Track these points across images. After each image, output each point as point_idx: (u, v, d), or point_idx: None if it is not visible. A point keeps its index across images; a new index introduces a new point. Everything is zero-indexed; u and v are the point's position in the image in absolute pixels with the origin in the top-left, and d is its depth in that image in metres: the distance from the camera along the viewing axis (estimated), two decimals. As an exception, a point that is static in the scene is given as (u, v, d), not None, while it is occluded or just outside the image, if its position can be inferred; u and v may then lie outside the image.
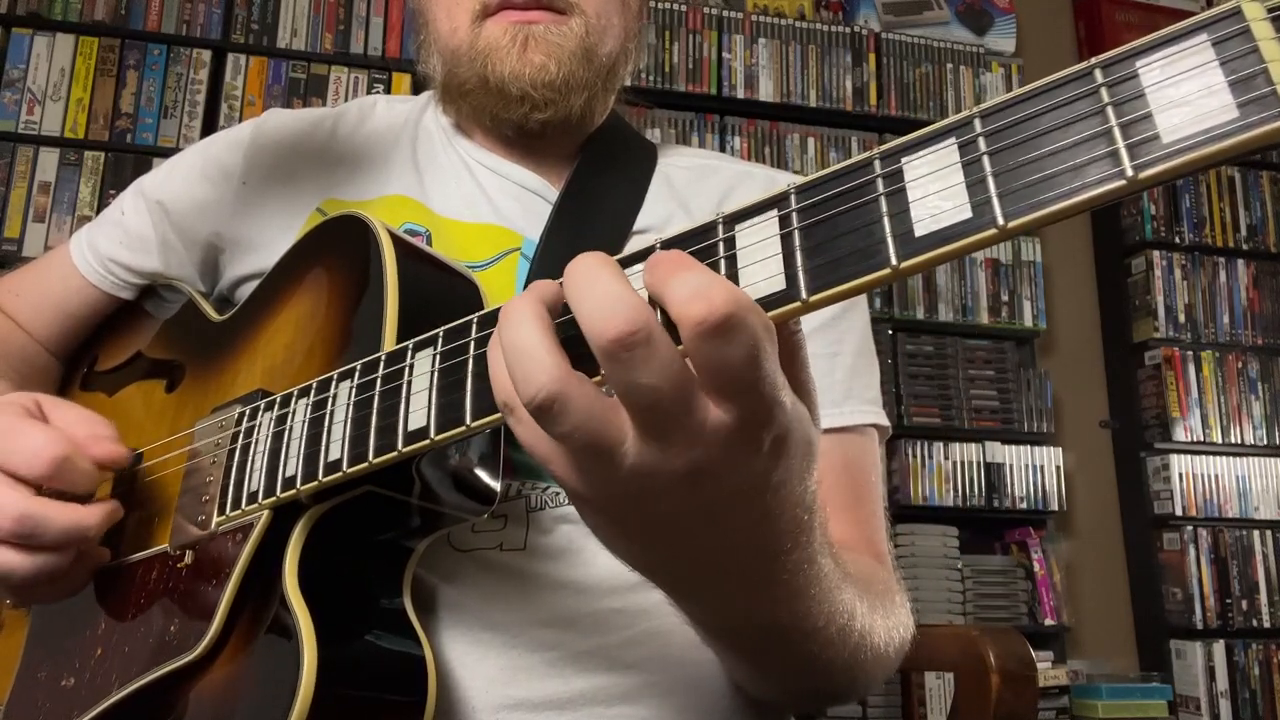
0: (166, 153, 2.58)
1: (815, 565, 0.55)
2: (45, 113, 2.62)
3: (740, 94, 3.02)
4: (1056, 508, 2.95)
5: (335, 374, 0.62)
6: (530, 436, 0.46)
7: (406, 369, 0.57)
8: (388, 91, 2.79)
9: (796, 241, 0.42)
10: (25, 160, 2.60)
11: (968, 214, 0.38)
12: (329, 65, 2.80)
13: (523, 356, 0.43)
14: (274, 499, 0.63)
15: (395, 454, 0.55)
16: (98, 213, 2.54)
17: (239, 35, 2.76)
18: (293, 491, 0.62)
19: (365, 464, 0.57)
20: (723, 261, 0.45)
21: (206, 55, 2.73)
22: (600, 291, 0.42)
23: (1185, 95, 0.34)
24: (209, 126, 2.68)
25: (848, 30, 3.14)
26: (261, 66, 2.76)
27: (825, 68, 3.09)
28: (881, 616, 0.69)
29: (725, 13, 3.08)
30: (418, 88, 2.68)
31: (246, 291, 0.91)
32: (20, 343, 0.99)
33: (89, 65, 2.67)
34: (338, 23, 2.82)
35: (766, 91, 3.03)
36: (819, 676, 0.67)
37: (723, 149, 2.96)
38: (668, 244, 0.47)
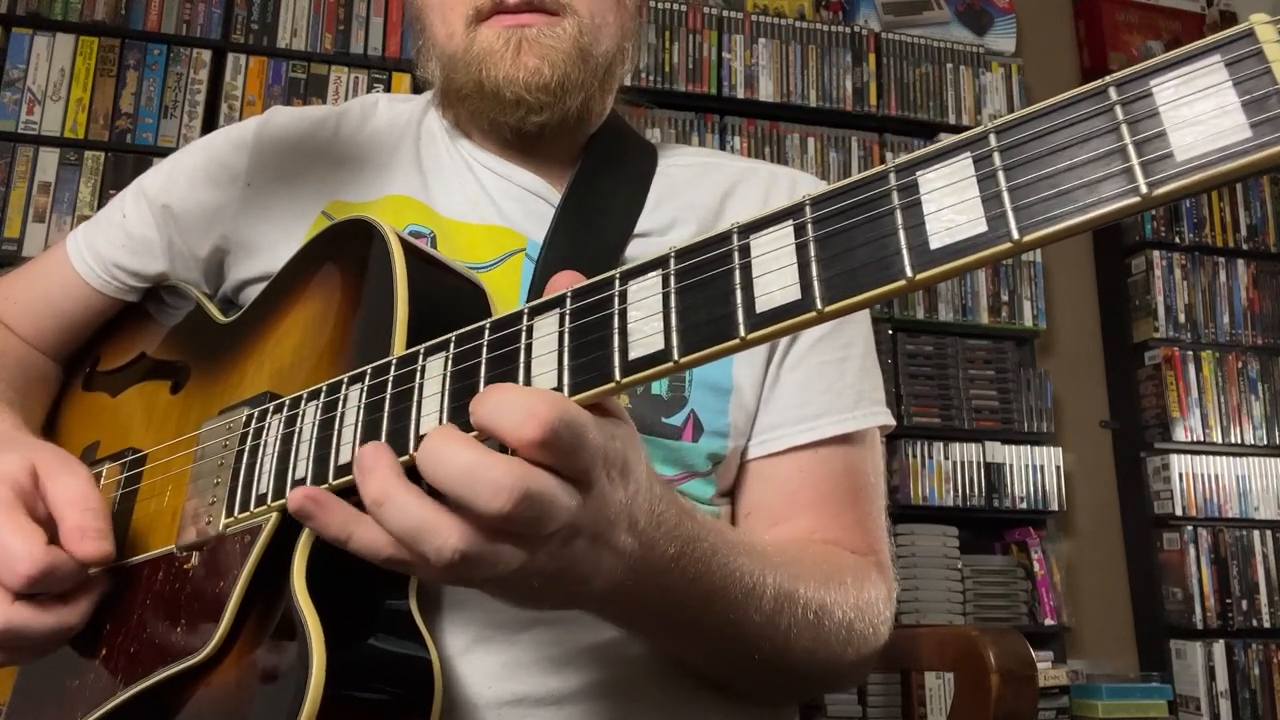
0: (166, 153, 2.54)
1: (695, 538, 0.62)
2: (45, 113, 2.62)
3: (740, 94, 3.02)
4: (1056, 508, 2.96)
5: (345, 377, 0.62)
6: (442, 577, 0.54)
7: (418, 373, 0.57)
8: (388, 91, 2.79)
9: (812, 252, 0.43)
10: (25, 160, 2.60)
11: (983, 227, 0.38)
12: (329, 65, 2.79)
13: (423, 532, 0.49)
14: (283, 501, 0.63)
15: (408, 458, 0.55)
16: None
17: (239, 35, 2.76)
18: None
19: None
20: (737, 271, 0.45)
21: (206, 55, 2.73)
22: (469, 466, 0.48)
23: (1199, 114, 0.34)
24: (209, 126, 2.68)
25: (848, 30, 3.15)
26: (261, 66, 2.75)
27: (825, 68, 3.09)
28: (816, 589, 0.73)
29: (725, 13, 3.08)
30: (418, 88, 2.68)
31: (251, 294, 0.90)
32: (18, 354, 0.97)
33: (89, 65, 2.67)
34: (338, 23, 2.82)
35: (766, 91, 3.03)
36: (741, 650, 0.71)
37: (723, 149, 2.96)
38: (681, 254, 0.48)
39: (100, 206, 2.56)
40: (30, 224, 2.57)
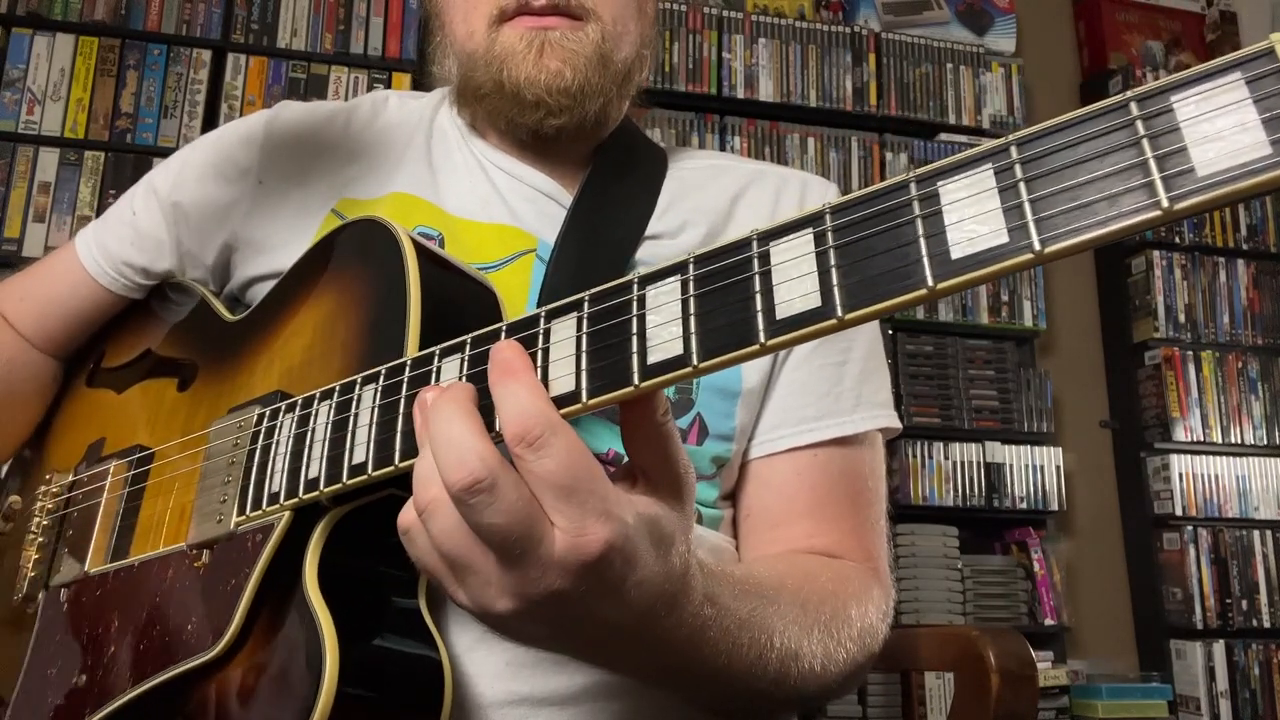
0: (166, 153, 2.54)
1: (700, 616, 0.59)
2: (45, 113, 2.62)
3: (740, 94, 3.02)
4: (1056, 508, 2.96)
5: (359, 377, 0.62)
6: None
7: (433, 374, 0.57)
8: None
9: (832, 260, 0.43)
10: (25, 160, 2.60)
11: (1004, 239, 0.38)
12: (329, 65, 2.79)
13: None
14: (296, 500, 0.63)
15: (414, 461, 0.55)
16: (98, 213, 2.53)
17: (239, 35, 2.76)
18: (315, 493, 0.62)
19: (391, 467, 0.57)
20: (757, 277, 0.45)
21: (206, 55, 2.73)
22: (447, 439, 0.48)
23: (1219, 130, 0.35)
24: (209, 126, 2.67)
25: (848, 30, 3.15)
26: (261, 66, 2.76)
27: (825, 68, 3.10)
28: (820, 640, 0.72)
29: (725, 13, 3.08)
30: (418, 88, 2.68)
31: (258, 291, 0.91)
32: (13, 357, 0.98)
33: (89, 65, 2.66)
34: (338, 23, 2.82)
35: (766, 91, 3.04)
36: (746, 704, 0.71)
37: (722, 149, 2.97)
38: (701, 259, 0.48)
39: (100, 206, 2.57)
40: (30, 224, 2.57)
